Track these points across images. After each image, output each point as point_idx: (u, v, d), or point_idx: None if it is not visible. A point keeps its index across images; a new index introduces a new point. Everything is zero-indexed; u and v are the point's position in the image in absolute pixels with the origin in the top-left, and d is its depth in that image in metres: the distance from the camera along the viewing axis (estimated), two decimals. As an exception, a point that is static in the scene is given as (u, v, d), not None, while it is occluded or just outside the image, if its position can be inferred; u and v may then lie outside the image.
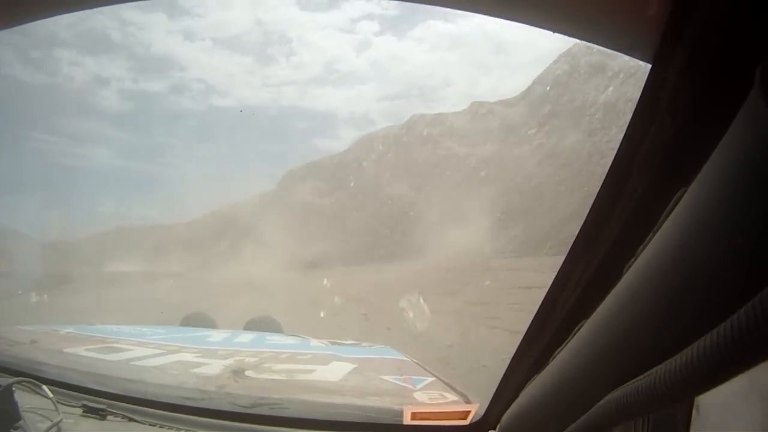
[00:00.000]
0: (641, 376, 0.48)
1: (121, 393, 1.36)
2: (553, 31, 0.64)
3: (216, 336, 2.52)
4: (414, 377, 1.73)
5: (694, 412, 0.75)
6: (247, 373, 1.65)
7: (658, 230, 0.51)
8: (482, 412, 1.24)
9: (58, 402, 1.26)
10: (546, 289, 0.83)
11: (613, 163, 0.64)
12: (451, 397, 1.49)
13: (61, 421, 1.19)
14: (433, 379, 1.73)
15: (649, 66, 0.56)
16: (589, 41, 0.62)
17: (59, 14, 0.95)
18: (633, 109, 0.59)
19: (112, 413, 1.29)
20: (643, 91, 0.58)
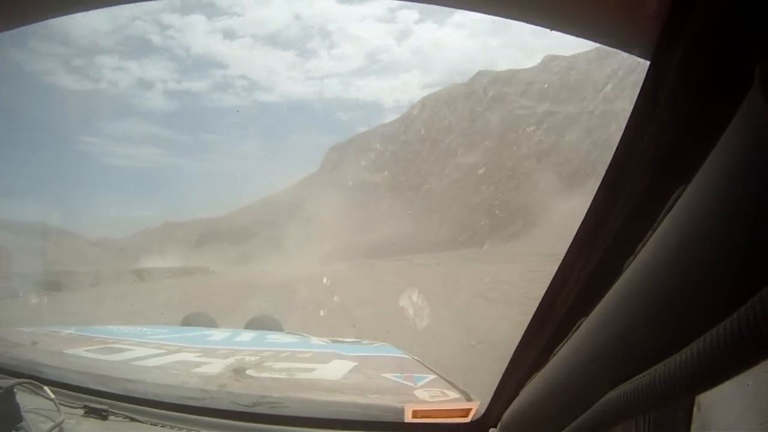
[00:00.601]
0: (641, 375, 0.48)
1: (122, 393, 1.36)
2: (552, 29, 0.64)
3: (216, 335, 2.52)
4: (415, 375, 1.74)
5: (695, 410, 0.75)
6: (248, 372, 1.65)
7: (657, 228, 0.51)
8: (483, 410, 1.25)
9: (60, 403, 1.26)
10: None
11: (611, 160, 0.64)
12: (452, 394, 1.49)
13: (62, 421, 1.20)
14: (434, 376, 1.73)
15: (648, 63, 0.56)
16: (588, 39, 0.61)
17: (60, 16, 0.95)
18: (632, 106, 0.59)
19: (113, 413, 1.29)
20: (641, 88, 0.57)
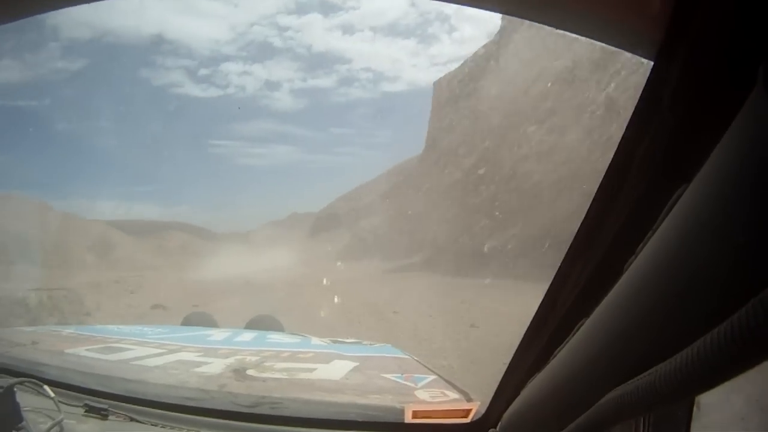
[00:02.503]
0: (642, 375, 0.48)
1: (122, 393, 1.36)
2: (556, 28, 0.64)
3: (217, 335, 2.52)
4: (415, 375, 1.73)
5: (694, 410, 0.75)
6: (249, 372, 1.65)
7: (658, 228, 0.51)
8: (483, 410, 1.24)
9: (60, 402, 1.26)
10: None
11: (613, 159, 0.64)
12: (453, 395, 1.49)
13: (62, 421, 1.20)
14: (435, 377, 1.73)
15: (652, 63, 0.56)
16: (592, 38, 0.61)
17: (61, 8, 0.95)
18: (634, 106, 0.59)
19: (113, 413, 1.29)
20: (644, 88, 0.57)
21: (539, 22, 0.64)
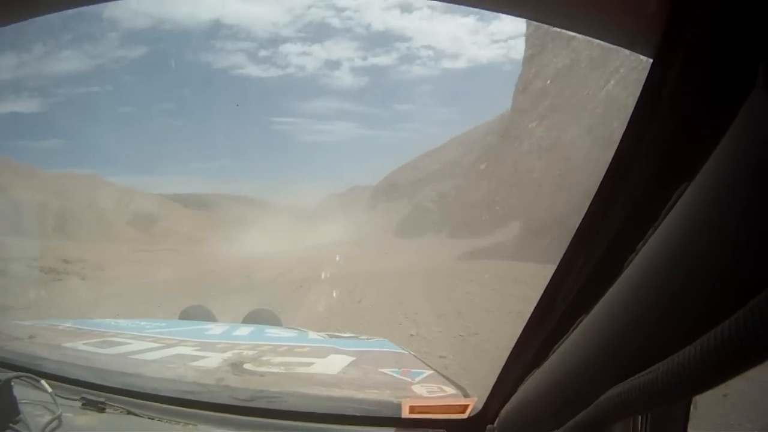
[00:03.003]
0: (641, 373, 0.48)
1: (119, 386, 1.36)
2: (555, 27, 0.63)
3: (214, 329, 2.52)
4: (412, 370, 1.74)
5: (692, 408, 0.75)
6: (246, 366, 1.66)
7: (658, 227, 0.51)
8: (481, 406, 1.25)
9: (57, 396, 1.26)
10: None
11: (613, 158, 0.64)
12: (450, 390, 1.50)
13: (60, 414, 1.20)
14: (432, 372, 1.74)
15: (651, 61, 0.56)
16: (591, 36, 0.61)
17: (63, 10, 0.94)
18: (634, 104, 0.59)
19: (111, 406, 1.29)
20: (644, 86, 0.57)
21: (538, 21, 0.64)
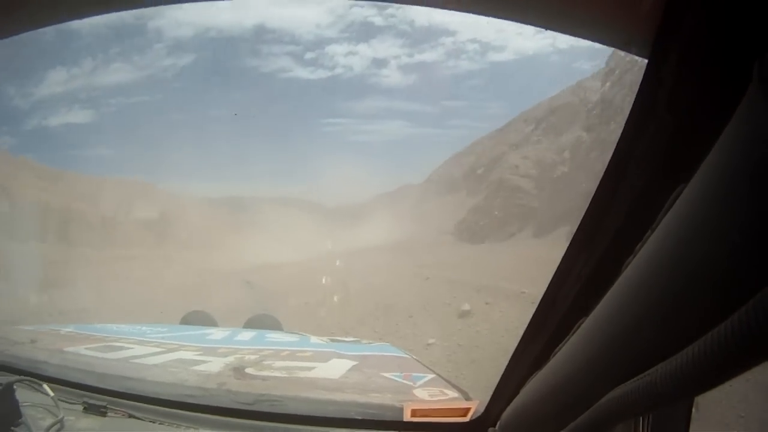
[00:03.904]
0: (642, 375, 0.48)
1: (121, 390, 1.36)
2: (549, 29, 0.63)
3: (216, 334, 2.52)
4: (414, 374, 1.73)
5: (694, 410, 0.75)
6: (248, 370, 1.65)
7: (656, 228, 0.51)
8: (482, 409, 1.24)
9: (59, 400, 1.26)
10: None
11: (611, 159, 0.64)
12: (451, 394, 1.49)
13: (62, 418, 1.20)
14: (433, 376, 1.73)
15: (646, 62, 0.56)
16: (586, 38, 0.61)
17: (68, 21, 0.95)
18: (631, 105, 0.59)
19: (112, 410, 1.29)
20: (640, 87, 0.57)
21: (532, 25, 0.64)
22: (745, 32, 0.43)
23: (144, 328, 2.49)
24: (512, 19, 0.65)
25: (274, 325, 3.28)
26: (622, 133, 0.61)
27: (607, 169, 0.65)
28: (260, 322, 3.37)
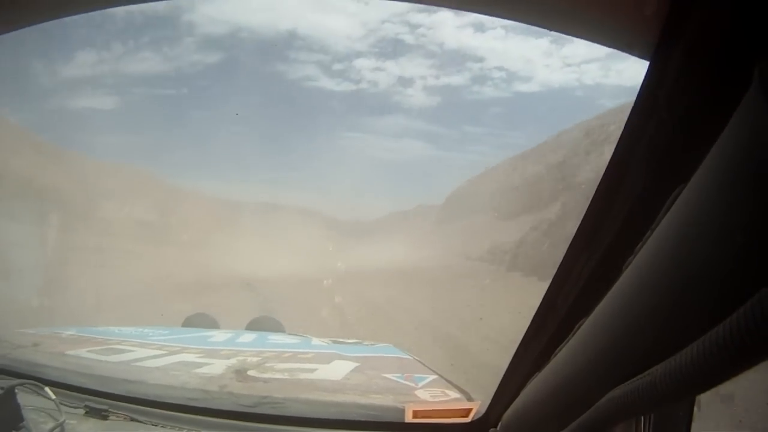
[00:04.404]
0: (642, 375, 0.48)
1: (123, 394, 1.36)
2: (552, 30, 0.64)
3: (218, 336, 2.51)
4: (416, 375, 1.73)
5: (695, 409, 0.75)
6: (250, 372, 1.65)
7: (656, 228, 0.51)
8: (484, 410, 1.25)
9: (61, 403, 1.26)
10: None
11: (610, 160, 0.64)
12: (453, 394, 1.49)
13: (64, 422, 1.20)
14: (435, 377, 1.73)
15: (647, 63, 0.56)
16: (588, 39, 0.61)
17: (64, 16, 0.96)
18: (631, 106, 0.59)
19: (114, 413, 1.29)
20: (641, 88, 0.57)
21: (536, 25, 0.64)
22: (745, 35, 0.44)
23: (146, 330, 2.49)
24: (514, 19, 0.66)
25: (276, 327, 3.28)
26: (622, 134, 0.61)
27: (607, 169, 0.65)
28: (262, 324, 3.37)
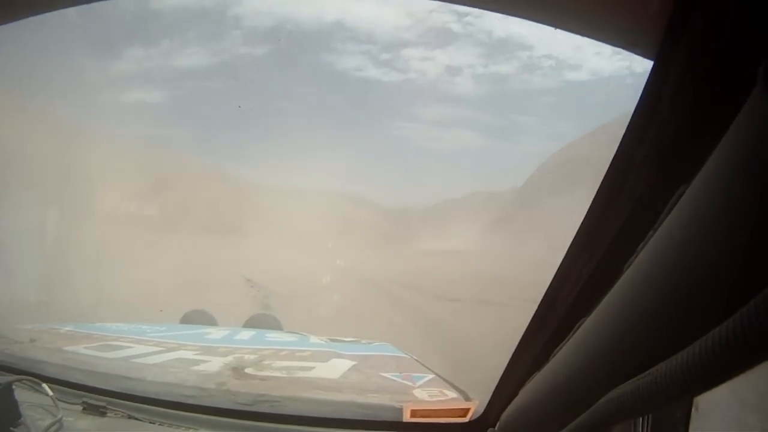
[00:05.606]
0: (641, 375, 0.48)
1: (120, 390, 1.36)
2: (556, 28, 0.64)
3: (216, 333, 2.51)
4: (414, 374, 1.74)
5: (693, 410, 0.75)
6: (247, 370, 1.66)
7: (658, 228, 0.51)
8: (482, 410, 1.24)
9: (58, 399, 1.25)
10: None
11: (614, 159, 0.64)
12: (451, 394, 1.49)
13: (61, 418, 1.19)
14: (433, 376, 1.73)
15: (651, 63, 0.56)
16: (592, 38, 0.61)
17: (61, 8, 0.95)
18: (635, 105, 0.59)
19: (112, 410, 1.29)
20: (644, 88, 0.57)
21: (540, 23, 0.64)
22: (749, 34, 0.43)
23: (144, 327, 2.49)
24: (519, 16, 0.65)
25: (274, 325, 3.28)
26: (625, 133, 0.61)
27: (609, 168, 0.65)
28: (260, 321, 3.37)
